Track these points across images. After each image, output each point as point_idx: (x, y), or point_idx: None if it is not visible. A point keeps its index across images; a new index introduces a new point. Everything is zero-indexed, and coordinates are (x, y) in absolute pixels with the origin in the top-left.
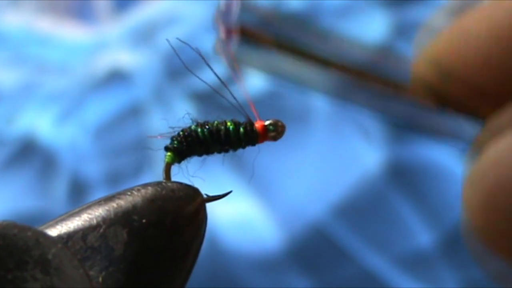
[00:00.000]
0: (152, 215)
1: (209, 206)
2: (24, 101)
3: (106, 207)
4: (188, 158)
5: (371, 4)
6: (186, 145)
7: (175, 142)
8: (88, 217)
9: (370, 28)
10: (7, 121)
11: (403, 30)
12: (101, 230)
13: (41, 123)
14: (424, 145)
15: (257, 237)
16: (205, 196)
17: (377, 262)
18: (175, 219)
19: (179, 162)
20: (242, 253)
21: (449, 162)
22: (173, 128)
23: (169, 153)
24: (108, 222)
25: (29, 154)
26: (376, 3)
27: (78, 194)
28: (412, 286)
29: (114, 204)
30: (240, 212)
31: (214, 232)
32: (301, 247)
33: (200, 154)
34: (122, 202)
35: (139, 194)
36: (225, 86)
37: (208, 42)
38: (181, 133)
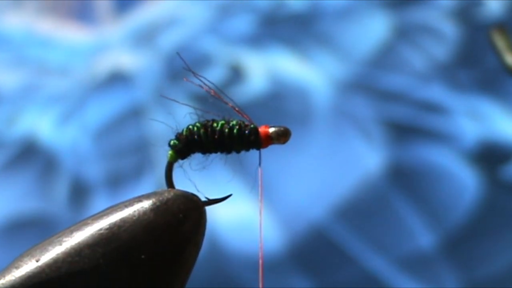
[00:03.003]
0: (151, 242)
1: (210, 207)
2: (25, 102)
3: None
4: (192, 155)
5: (372, 5)
6: (189, 144)
7: (177, 141)
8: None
9: (371, 29)
10: (8, 123)
11: (404, 31)
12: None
13: (42, 125)
14: (425, 147)
15: (258, 238)
16: (205, 199)
17: (378, 263)
18: (173, 233)
19: (182, 159)
20: (242, 254)
21: (449, 163)
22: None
23: (170, 152)
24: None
25: (30, 155)
26: (376, 4)
27: (79, 195)
28: (413, 287)
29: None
30: (240, 213)
31: (215, 233)
32: (302, 249)
33: (203, 153)
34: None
35: (135, 218)
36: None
37: (208, 43)
38: (184, 131)
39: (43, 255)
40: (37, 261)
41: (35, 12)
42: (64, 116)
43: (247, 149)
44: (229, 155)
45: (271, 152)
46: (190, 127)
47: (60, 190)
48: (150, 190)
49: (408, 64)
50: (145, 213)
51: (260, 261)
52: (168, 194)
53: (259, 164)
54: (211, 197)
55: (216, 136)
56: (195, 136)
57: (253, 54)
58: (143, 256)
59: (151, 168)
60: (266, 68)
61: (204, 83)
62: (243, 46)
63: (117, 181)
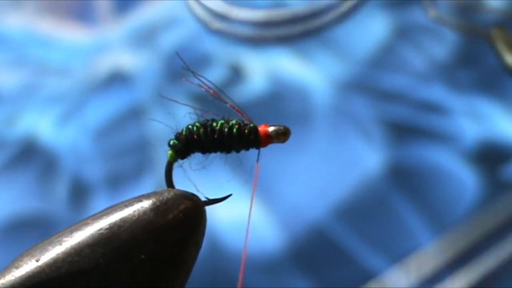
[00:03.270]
0: (151, 242)
1: (210, 207)
2: (25, 102)
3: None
4: (192, 154)
5: (372, 4)
6: (188, 144)
7: (177, 140)
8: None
9: (371, 29)
10: (8, 123)
11: (404, 31)
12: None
13: (42, 125)
14: (425, 147)
15: (257, 238)
16: (205, 199)
17: (378, 263)
18: (173, 233)
19: (182, 159)
20: (242, 254)
21: (449, 163)
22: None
23: (170, 152)
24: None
25: (30, 155)
26: (376, 4)
27: (79, 195)
28: (413, 287)
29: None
30: (240, 213)
31: (215, 233)
32: (301, 248)
33: (202, 152)
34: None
35: (135, 218)
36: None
37: (208, 43)
38: (184, 131)
39: (43, 255)
40: (37, 261)
41: (35, 12)
42: (64, 116)
43: (247, 148)
44: (229, 155)
45: (270, 151)
46: (190, 126)
47: (60, 190)
48: (150, 190)
49: (408, 64)
50: (145, 213)
51: (244, 251)
52: (168, 194)
53: (257, 160)
54: (211, 197)
55: (215, 136)
56: (195, 136)
57: (253, 54)
58: (143, 256)
59: (151, 168)
60: (266, 68)
61: (204, 83)
62: (243, 46)
63: (117, 181)
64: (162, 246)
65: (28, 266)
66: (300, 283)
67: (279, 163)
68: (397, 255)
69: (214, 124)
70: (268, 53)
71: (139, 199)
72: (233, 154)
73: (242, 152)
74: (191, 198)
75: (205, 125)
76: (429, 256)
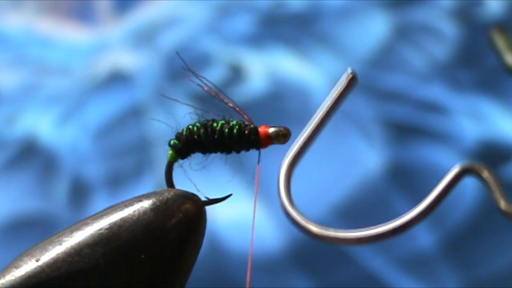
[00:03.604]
0: (151, 242)
1: (210, 207)
2: (25, 102)
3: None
4: (192, 154)
5: (372, 5)
6: (189, 144)
7: (178, 140)
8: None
9: (371, 29)
10: (8, 123)
11: (404, 31)
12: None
13: (42, 125)
14: (425, 147)
15: (257, 238)
16: (205, 198)
17: (378, 263)
18: (173, 232)
19: (182, 159)
20: (242, 254)
21: (449, 163)
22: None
23: (170, 152)
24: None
25: (30, 155)
26: (376, 4)
27: (79, 195)
28: (413, 287)
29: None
30: (241, 213)
31: (214, 233)
32: (302, 248)
33: (203, 153)
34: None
35: (135, 218)
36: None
37: (208, 43)
38: (184, 131)
39: (43, 255)
40: (37, 260)
41: (35, 12)
42: (64, 116)
43: (247, 149)
44: (229, 155)
45: (270, 150)
46: (190, 127)
47: (60, 190)
48: (150, 190)
49: (408, 64)
50: (145, 213)
51: (251, 249)
52: (168, 194)
53: (258, 161)
54: (211, 197)
55: (216, 136)
56: (195, 136)
57: (253, 54)
58: (143, 256)
59: (151, 168)
60: (266, 68)
61: (204, 83)
62: (243, 46)
63: (117, 181)
64: (162, 246)
65: (28, 266)
66: (300, 283)
67: (279, 162)
68: (397, 255)
69: (215, 124)
70: (268, 53)
71: (139, 199)
72: (233, 154)
73: (242, 152)
74: (191, 198)
75: (206, 125)
76: None
